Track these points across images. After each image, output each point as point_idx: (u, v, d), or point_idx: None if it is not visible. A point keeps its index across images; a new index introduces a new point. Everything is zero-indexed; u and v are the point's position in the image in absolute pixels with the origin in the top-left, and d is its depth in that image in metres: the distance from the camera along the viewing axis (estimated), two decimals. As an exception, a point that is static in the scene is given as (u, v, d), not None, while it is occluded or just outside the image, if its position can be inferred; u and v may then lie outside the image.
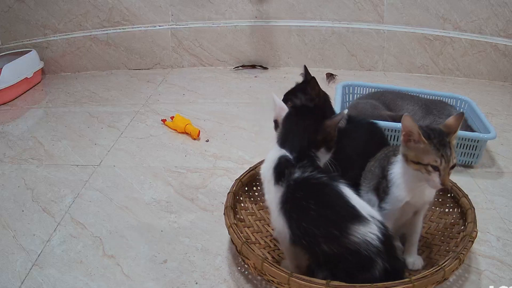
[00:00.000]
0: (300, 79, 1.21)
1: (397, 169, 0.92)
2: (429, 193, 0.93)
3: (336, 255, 0.81)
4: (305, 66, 1.24)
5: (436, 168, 0.85)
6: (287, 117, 0.96)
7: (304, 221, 0.83)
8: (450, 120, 0.91)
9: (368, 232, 0.79)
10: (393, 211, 0.92)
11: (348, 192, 0.84)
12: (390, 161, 0.94)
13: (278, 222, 0.88)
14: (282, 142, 0.93)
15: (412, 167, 0.88)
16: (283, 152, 0.91)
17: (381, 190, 0.93)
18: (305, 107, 1.05)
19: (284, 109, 0.97)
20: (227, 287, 0.99)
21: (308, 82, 1.14)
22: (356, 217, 0.80)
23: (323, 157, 0.93)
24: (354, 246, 0.79)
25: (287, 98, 1.17)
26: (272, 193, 0.90)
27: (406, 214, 0.95)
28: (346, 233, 0.79)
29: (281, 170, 0.89)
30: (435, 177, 0.86)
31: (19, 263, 1.06)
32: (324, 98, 1.17)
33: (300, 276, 0.84)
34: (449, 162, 0.86)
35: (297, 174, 0.86)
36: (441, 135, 0.88)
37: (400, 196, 0.91)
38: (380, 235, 0.79)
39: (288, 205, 0.86)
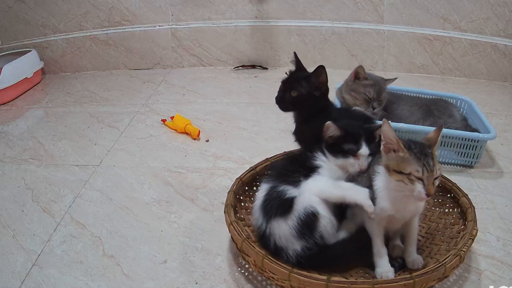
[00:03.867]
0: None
1: (380, 183, 0.91)
2: (414, 207, 0.91)
3: None
4: (295, 53, 1.20)
5: (419, 178, 0.83)
6: None
7: None
8: (430, 133, 0.90)
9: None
10: (379, 219, 0.92)
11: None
12: (374, 170, 0.93)
13: None
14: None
15: (395, 178, 0.85)
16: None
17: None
18: (312, 96, 1.12)
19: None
20: (227, 287, 0.99)
21: (315, 70, 1.11)
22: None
23: (331, 158, 1.02)
24: None
25: (290, 87, 1.14)
26: None
27: (396, 223, 0.94)
28: None
29: None
30: (420, 187, 0.83)
31: (19, 263, 1.06)
32: (327, 88, 1.15)
33: (301, 272, 0.85)
34: (433, 172, 0.83)
35: None
36: (422, 146, 0.86)
37: (384, 207, 0.90)
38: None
39: None
